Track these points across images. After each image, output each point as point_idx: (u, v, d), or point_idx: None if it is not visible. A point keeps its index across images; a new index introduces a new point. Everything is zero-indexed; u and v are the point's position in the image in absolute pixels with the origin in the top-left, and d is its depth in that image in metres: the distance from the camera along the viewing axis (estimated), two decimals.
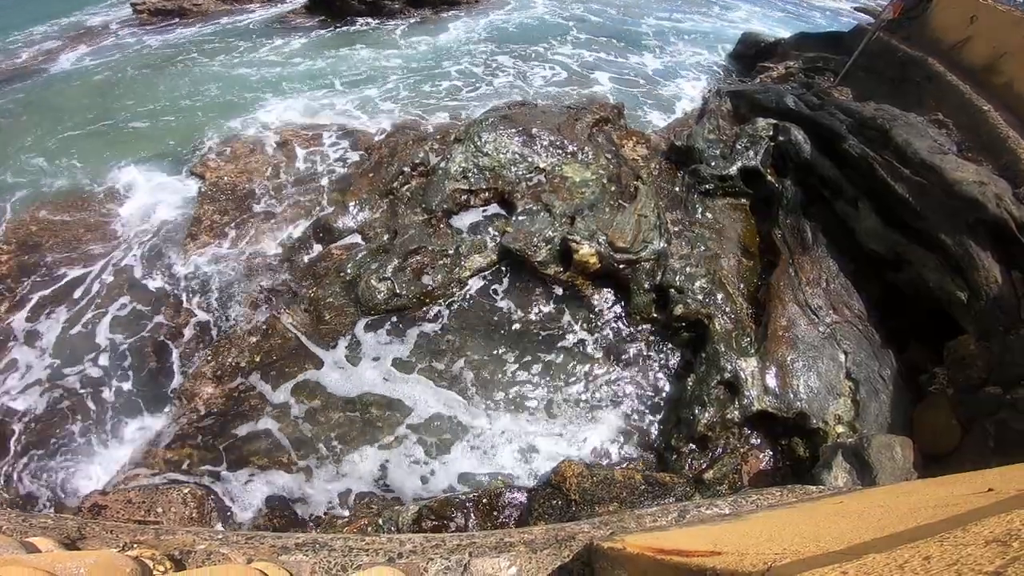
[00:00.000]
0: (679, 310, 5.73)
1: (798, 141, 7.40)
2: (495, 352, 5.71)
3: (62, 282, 6.84)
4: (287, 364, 5.57)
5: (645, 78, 12.81)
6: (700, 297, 5.82)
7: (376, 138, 8.57)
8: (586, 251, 6.05)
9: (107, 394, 5.63)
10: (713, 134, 8.14)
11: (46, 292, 6.73)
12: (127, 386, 5.71)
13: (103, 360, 5.96)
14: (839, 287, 6.05)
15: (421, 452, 4.97)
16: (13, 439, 5.27)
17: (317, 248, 6.73)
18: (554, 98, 10.61)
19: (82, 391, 5.67)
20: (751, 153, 7.64)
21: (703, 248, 6.54)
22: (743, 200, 7.48)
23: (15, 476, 5.01)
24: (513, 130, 7.50)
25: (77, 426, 5.35)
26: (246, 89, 12.30)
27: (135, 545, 2.72)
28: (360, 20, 17.11)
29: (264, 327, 5.89)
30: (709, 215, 7.14)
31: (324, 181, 8.00)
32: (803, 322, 5.55)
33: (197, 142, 9.84)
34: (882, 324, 5.74)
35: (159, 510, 4.46)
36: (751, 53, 14.02)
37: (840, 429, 4.86)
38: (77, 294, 6.71)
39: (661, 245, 6.30)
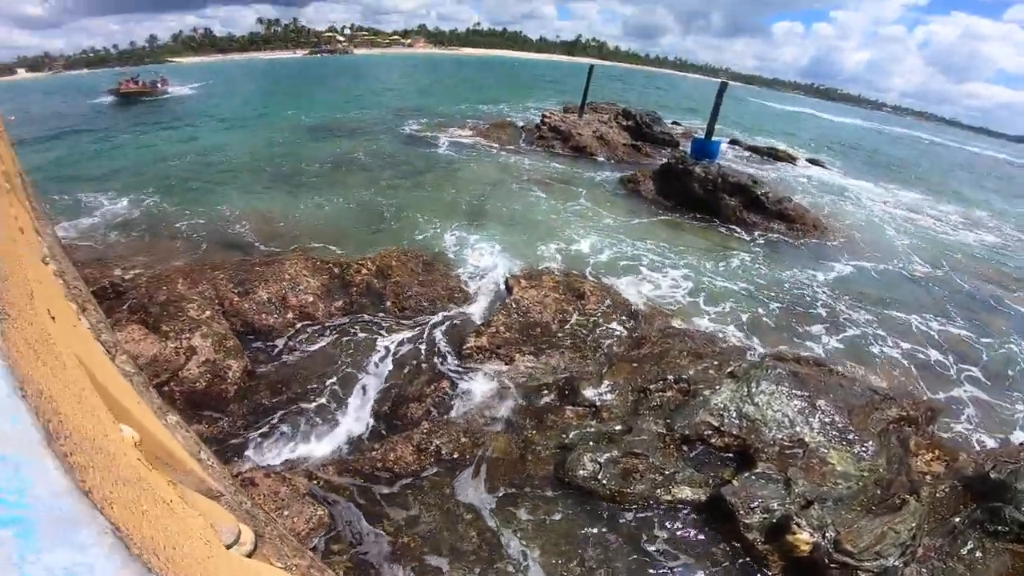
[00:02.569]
0: None
1: None
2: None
3: (380, 310, 9.25)
4: (471, 472, 6.14)
5: (999, 381, 9.88)
6: None
7: (655, 331, 8.96)
8: (804, 538, 5.19)
9: (341, 410, 7.03)
10: None
11: (367, 308, 9.22)
12: (356, 410, 7.06)
13: (375, 380, 7.65)
14: None
15: None
16: (260, 393, 7.03)
17: (556, 400, 7.31)
18: (869, 368, 9.29)
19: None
20: None
21: None
22: None
23: (239, 419, 6.64)
24: (797, 392, 6.91)
25: (309, 414, 6.84)
26: (572, 230, 14.52)
27: (294, 568, 2.89)
28: (702, 216, 17.05)
29: (477, 436, 6.59)
30: (979, 554, 5.47)
31: (594, 346, 8.64)
32: None
33: (521, 257, 12.07)
34: None
35: (285, 513, 4.86)
36: None
37: None
38: (380, 322, 8.97)
39: (895, 564, 5.05)
